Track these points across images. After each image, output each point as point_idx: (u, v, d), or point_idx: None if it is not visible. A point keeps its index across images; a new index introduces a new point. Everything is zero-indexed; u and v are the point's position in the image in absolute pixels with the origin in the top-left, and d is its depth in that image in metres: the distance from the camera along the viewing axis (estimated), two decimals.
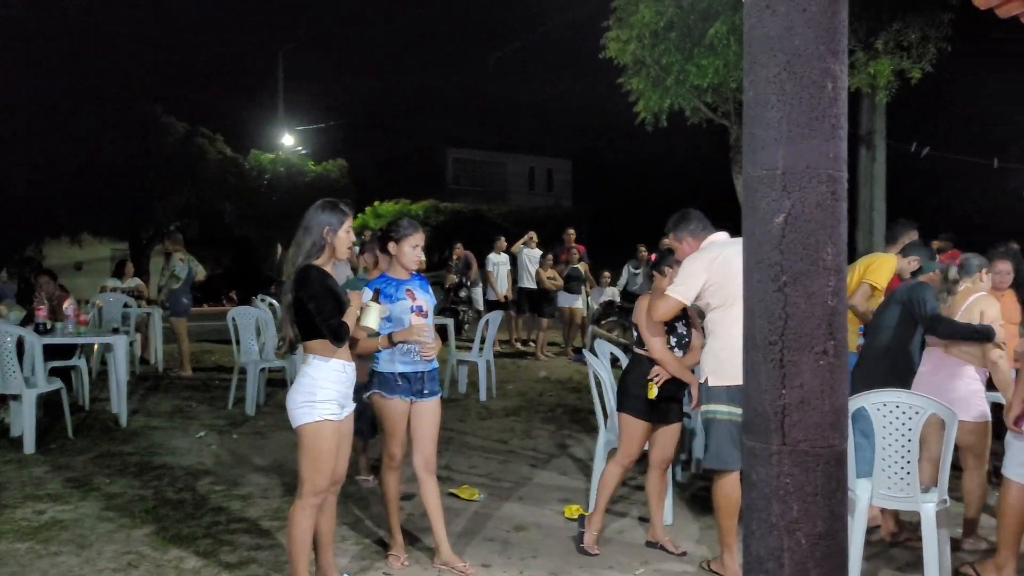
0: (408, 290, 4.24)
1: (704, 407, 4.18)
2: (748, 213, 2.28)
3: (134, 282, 11.27)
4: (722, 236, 4.36)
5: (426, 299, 4.32)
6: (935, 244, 9.88)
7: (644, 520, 4.88)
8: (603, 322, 12.52)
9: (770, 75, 2.20)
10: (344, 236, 3.68)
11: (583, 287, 12.80)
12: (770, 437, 2.18)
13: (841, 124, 2.22)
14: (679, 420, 4.61)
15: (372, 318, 3.80)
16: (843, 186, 2.23)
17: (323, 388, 3.57)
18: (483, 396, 8.96)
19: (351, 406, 3.75)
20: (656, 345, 4.37)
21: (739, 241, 4.11)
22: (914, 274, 5.12)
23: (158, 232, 20.97)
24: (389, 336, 4.09)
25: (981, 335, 4.50)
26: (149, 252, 21.65)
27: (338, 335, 3.53)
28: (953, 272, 4.96)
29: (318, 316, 3.52)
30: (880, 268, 5.45)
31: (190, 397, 8.79)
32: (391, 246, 4.27)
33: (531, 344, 13.21)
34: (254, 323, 8.37)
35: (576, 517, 4.88)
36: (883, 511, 4.63)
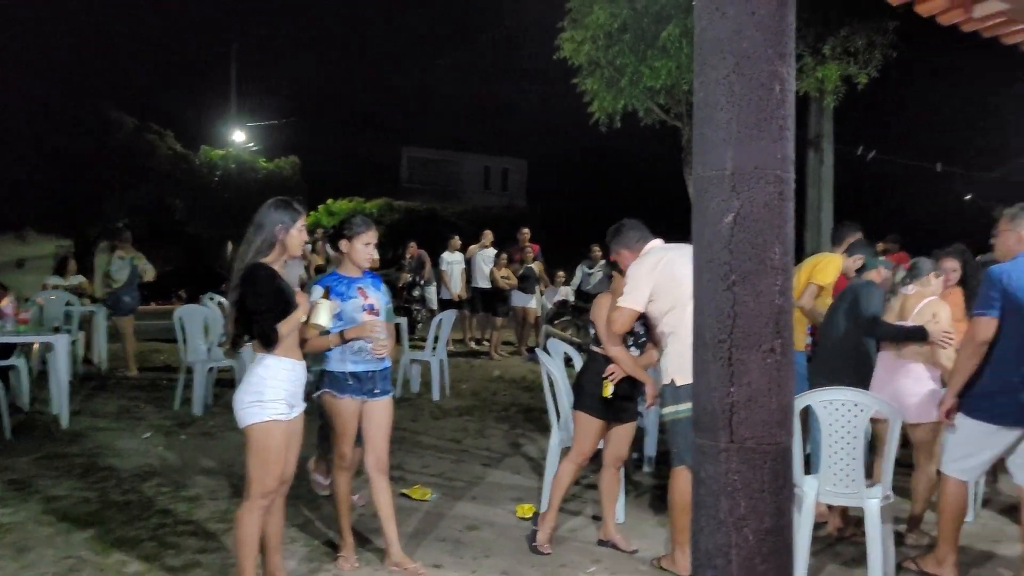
0: (360, 288, 4.21)
1: (672, 407, 4.19)
2: (698, 213, 2.31)
3: (77, 279, 10.99)
4: (658, 243, 4.42)
5: (378, 297, 4.29)
6: (880, 246, 10.12)
7: (597, 519, 4.90)
8: (557, 321, 12.57)
9: (719, 77, 2.23)
10: (296, 235, 3.64)
11: (537, 287, 12.83)
12: (718, 435, 2.20)
13: (788, 126, 2.26)
14: (633, 419, 4.64)
15: (323, 316, 3.76)
16: (790, 187, 2.26)
17: (272, 387, 3.52)
18: (436, 395, 8.93)
19: (301, 406, 3.70)
20: (613, 343, 4.40)
21: (680, 246, 4.19)
22: (859, 271, 5.24)
23: (106, 229, 20.52)
24: (341, 334, 4.05)
25: (915, 336, 4.61)
26: (95, 249, 21.15)
27: (267, 340, 3.49)
28: (899, 274, 5.08)
29: (256, 315, 3.48)
30: (826, 268, 5.56)
31: (136, 398, 8.60)
32: (343, 244, 4.22)
33: (485, 343, 13.20)
34: (202, 322, 8.23)
35: (529, 516, 4.89)
36: (830, 507, 4.72)
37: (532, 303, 12.73)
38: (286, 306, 3.56)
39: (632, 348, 4.48)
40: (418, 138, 37.26)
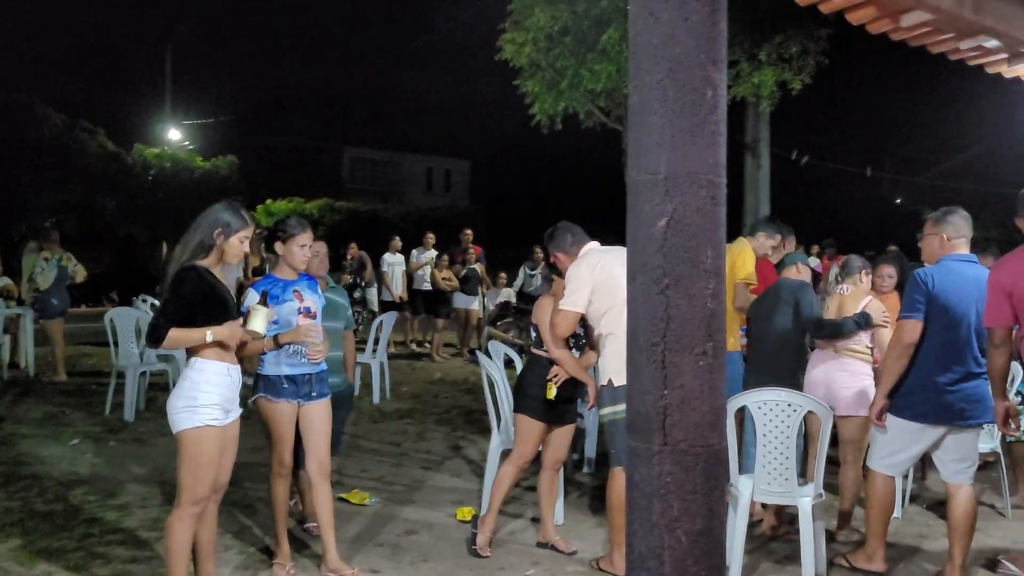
0: (295, 291, 4.14)
1: (610, 408, 4.19)
2: (632, 217, 2.32)
3: (2, 281, 10.60)
4: (594, 245, 4.45)
5: (314, 300, 4.23)
6: (815, 248, 10.39)
7: (536, 521, 4.90)
8: (499, 323, 12.56)
9: (653, 81, 2.25)
10: (236, 243, 3.55)
11: (479, 288, 12.80)
12: (652, 437, 2.22)
13: (721, 131, 2.29)
14: (573, 421, 4.66)
15: (259, 322, 3.69)
16: (722, 191, 2.29)
17: (205, 392, 3.45)
18: (376, 398, 8.84)
19: (237, 411, 3.63)
20: (557, 346, 4.40)
21: (617, 249, 4.23)
22: (778, 267, 5.34)
23: (32, 229, 19.82)
24: (275, 338, 3.98)
25: (860, 324, 4.73)
26: (22, 250, 20.42)
27: (152, 337, 3.38)
28: (834, 272, 5.21)
29: (159, 311, 3.42)
30: (743, 261, 5.57)
31: (64, 403, 8.32)
32: (278, 246, 4.15)
33: (426, 345, 13.13)
34: (134, 325, 8.00)
35: (468, 519, 4.87)
36: (764, 506, 4.80)
37: (474, 305, 12.70)
38: (227, 309, 3.49)
39: (572, 349, 4.50)
40: (360, 138, 36.98)
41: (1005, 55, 4.51)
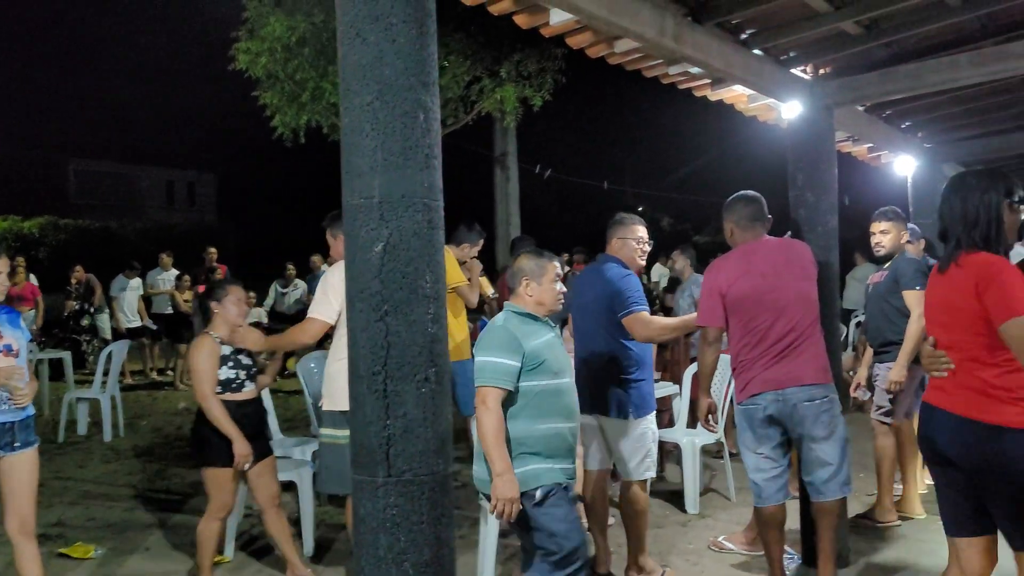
0: None
1: (327, 430, 4.06)
2: (349, 242, 2.25)
3: None
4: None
5: (16, 336, 3.75)
6: (565, 257, 10.87)
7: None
8: None
9: (363, 103, 2.19)
10: None
11: None
12: (376, 469, 2.15)
13: (435, 154, 2.28)
14: (269, 452, 4.34)
15: None
16: (439, 215, 2.28)
17: None
18: (108, 436, 8.07)
19: None
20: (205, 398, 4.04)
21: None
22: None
23: None
24: None
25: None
26: None
27: None
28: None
29: None
30: (452, 270, 5.39)
31: None
32: None
33: (169, 373, 12.24)
34: None
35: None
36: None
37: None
38: None
39: (247, 383, 4.16)
40: (88, 149, 33.84)
41: (708, 80, 4.94)
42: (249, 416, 4.12)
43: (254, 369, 4.22)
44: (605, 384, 4.12)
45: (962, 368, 2.68)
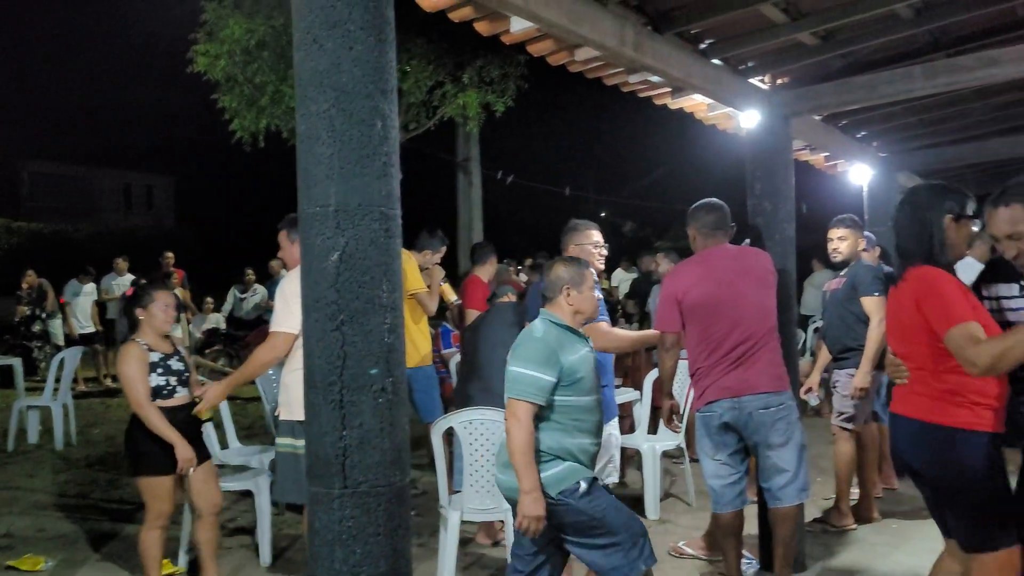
0: None
1: (283, 439, 4.02)
2: (305, 251, 2.22)
3: None
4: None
5: None
6: (529, 261, 10.87)
7: None
8: (207, 351, 11.80)
9: (320, 110, 2.17)
10: None
11: (183, 315, 11.92)
12: (332, 481, 2.12)
13: (393, 162, 2.25)
14: (208, 457, 4.25)
15: None
16: (397, 223, 2.26)
17: None
18: (60, 444, 7.88)
19: None
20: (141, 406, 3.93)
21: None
22: (490, 299, 5.48)
23: None
24: None
25: None
26: None
27: None
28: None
29: None
30: (410, 277, 5.36)
31: None
32: None
33: None
34: None
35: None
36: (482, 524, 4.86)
37: (177, 332, 11.80)
38: None
39: (178, 388, 4.04)
40: (43, 151, 33.10)
41: (668, 89, 4.97)
42: (184, 422, 4.01)
43: (186, 374, 4.11)
44: None
45: (916, 377, 2.79)
